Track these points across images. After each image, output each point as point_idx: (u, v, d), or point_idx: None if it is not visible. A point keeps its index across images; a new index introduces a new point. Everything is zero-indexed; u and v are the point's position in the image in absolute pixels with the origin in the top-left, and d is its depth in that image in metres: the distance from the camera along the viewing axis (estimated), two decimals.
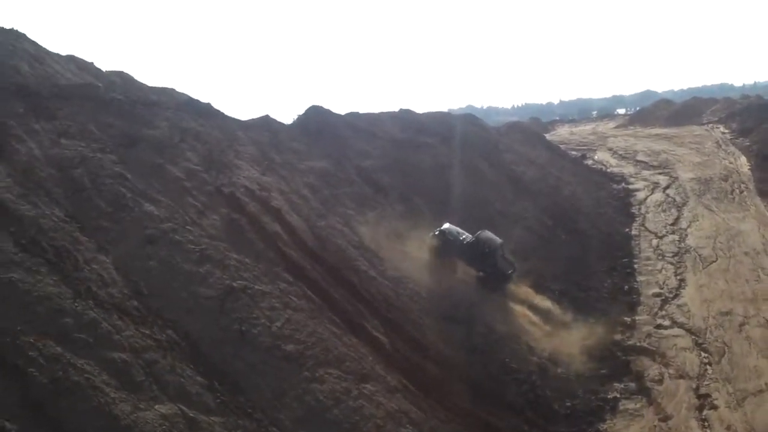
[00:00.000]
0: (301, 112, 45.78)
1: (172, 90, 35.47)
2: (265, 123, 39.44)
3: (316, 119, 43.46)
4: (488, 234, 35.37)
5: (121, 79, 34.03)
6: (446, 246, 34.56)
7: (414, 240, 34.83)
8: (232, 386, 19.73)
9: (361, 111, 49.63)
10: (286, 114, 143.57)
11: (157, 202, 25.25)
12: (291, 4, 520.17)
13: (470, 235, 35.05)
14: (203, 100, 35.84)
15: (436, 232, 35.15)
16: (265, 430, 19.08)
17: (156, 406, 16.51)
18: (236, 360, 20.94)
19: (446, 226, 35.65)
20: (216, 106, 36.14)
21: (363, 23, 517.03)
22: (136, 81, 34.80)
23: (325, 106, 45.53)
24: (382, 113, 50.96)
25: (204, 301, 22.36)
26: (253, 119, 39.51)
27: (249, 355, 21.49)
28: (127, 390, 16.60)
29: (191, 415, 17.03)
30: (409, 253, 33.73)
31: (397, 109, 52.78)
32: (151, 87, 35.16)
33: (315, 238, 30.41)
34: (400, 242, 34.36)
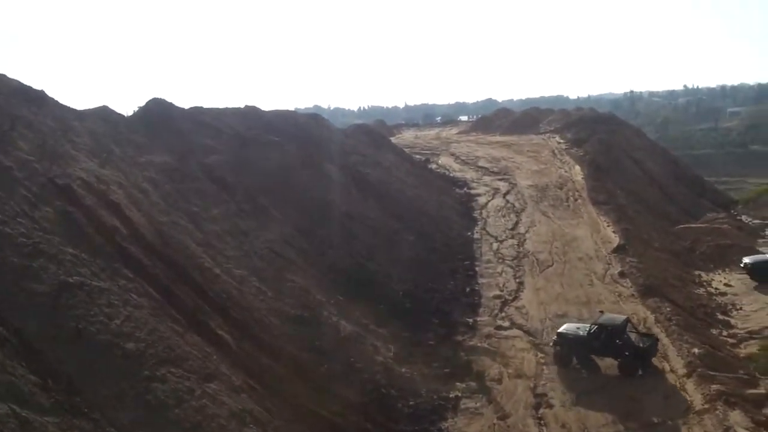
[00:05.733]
0: (142, 104, 44.17)
1: (3, 75, 33.08)
2: (103, 113, 37.63)
3: (158, 112, 42.04)
4: (608, 315, 32.11)
5: None
6: (570, 347, 31.13)
7: (257, 240, 34.19)
8: (67, 385, 18.58)
9: (206, 106, 48.54)
10: (125, 106, 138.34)
11: None
12: None
13: (588, 325, 31.55)
14: (36, 87, 33.64)
15: (554, 338, 31.73)
16: (102, 431, 18.07)
17: None
18: (72, 358, 19.80)
19: (562, 328, 32.10)
20: (50, 94, 34.01)
21: (207, 15, 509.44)
22: None
23: (167, 99, 44.17)
24: (227, 108, 50.13)
25: (37, 297, 21.08)
26: (89, 109, 37.54)
27: (86, 353, 20.42)
28: None
29: (23, 414, 15.86)
30: (256, 252, 33.07)
31: (242, 106, 52.05)
32: None
33: (157, 233, 29.25)
34: (246, 241, 33.63)
